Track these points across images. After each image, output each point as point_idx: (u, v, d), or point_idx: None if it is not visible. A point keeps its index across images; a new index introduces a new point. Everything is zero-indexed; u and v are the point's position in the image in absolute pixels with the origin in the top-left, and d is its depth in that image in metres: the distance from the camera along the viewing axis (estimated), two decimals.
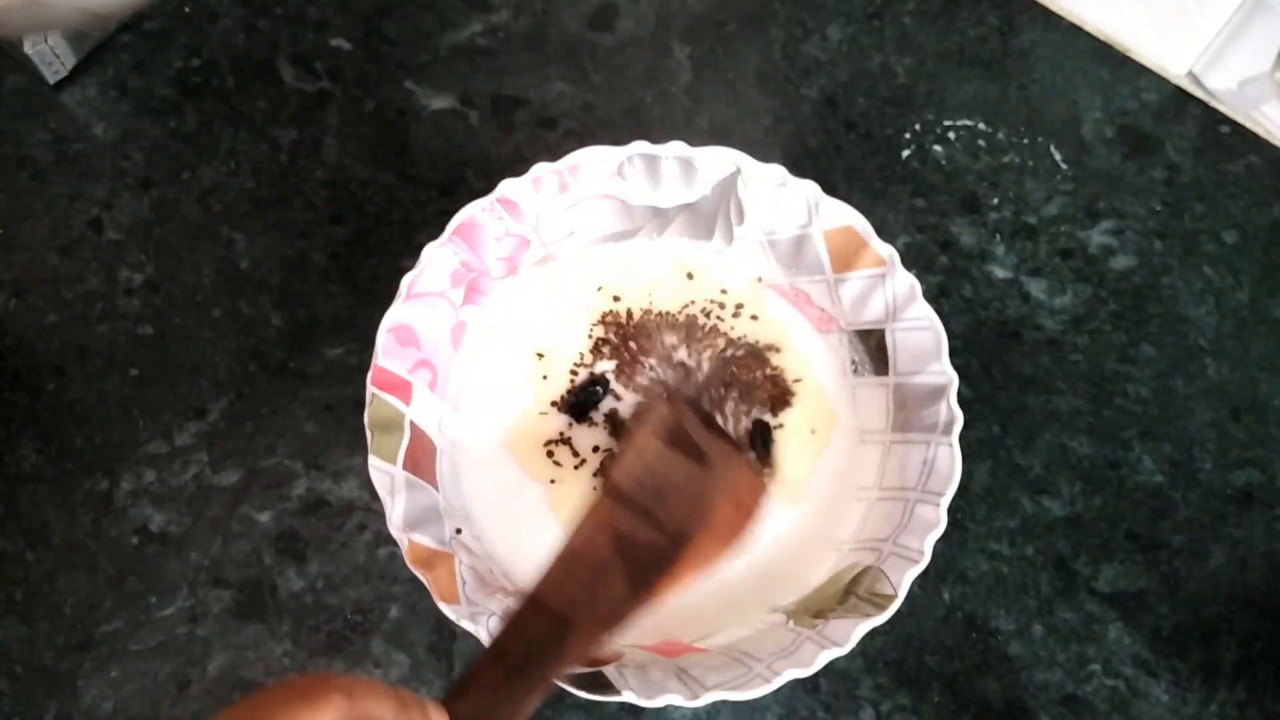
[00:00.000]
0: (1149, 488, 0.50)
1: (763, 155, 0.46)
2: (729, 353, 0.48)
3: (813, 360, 0.49)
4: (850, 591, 0.42)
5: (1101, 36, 0.59)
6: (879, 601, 0.40)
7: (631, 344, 0.48)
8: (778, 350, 0.49)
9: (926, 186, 0.55)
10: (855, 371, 0.48)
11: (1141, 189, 0.55)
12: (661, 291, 0.50)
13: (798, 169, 0.46)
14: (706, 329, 0.49)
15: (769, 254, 0.49)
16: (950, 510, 0.41)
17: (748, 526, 0.41)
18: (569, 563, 0.37)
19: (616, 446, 0.47)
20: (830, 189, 0.46)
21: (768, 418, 0.47)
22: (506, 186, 0.46)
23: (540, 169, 0.46)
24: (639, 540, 0.37)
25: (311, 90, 0.57)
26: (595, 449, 0.47)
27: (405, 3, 0.59)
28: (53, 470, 0.49)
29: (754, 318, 0.49)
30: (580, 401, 0.48)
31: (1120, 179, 0.56)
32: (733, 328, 0.49)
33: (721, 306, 0.49)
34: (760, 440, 0.46)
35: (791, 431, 0.47)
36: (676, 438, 0.41)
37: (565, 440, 0.47)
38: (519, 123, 0.56)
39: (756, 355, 0.48)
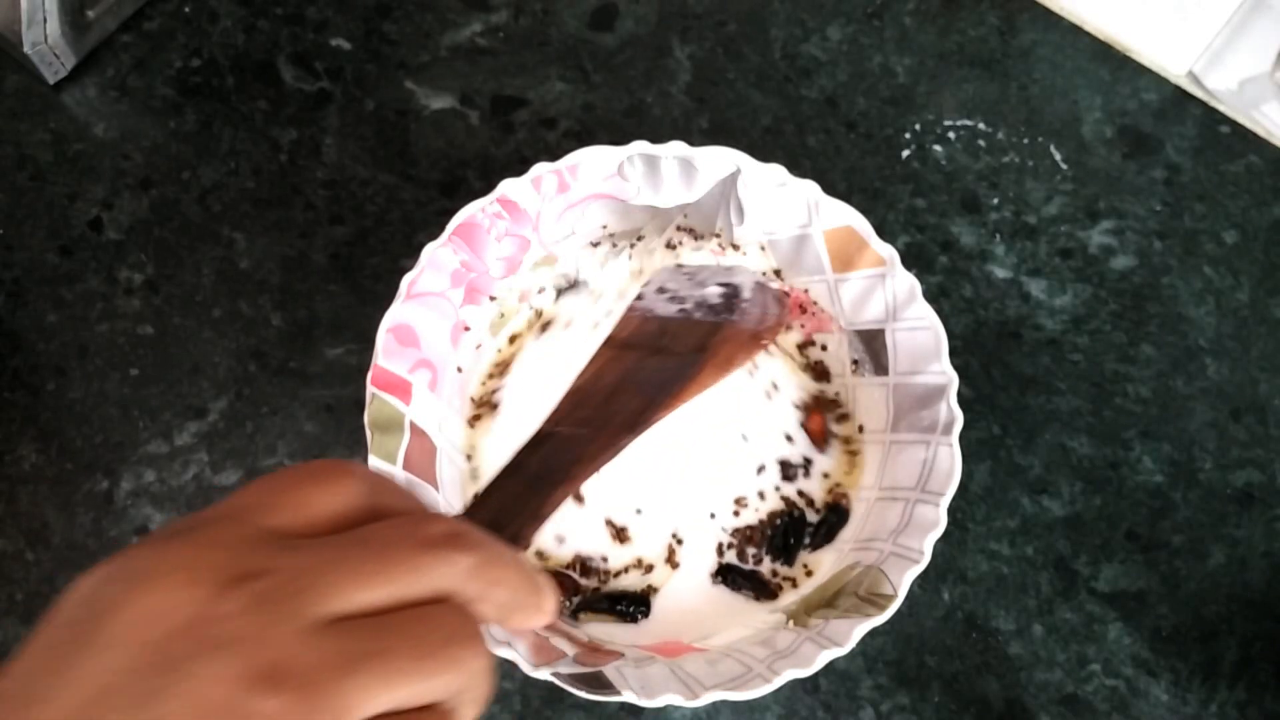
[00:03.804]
0: (1149, 488, 0.50)
1: (763, 155, 0.46)
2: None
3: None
4: (850, 591, 0.42)
5: (1101, 36, 0.59)
6: (879, 601, 0.40)
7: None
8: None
9: (926, 186, 0.55)
10: (855, 371, 0.48)
11: (1141, 189, 0.55)
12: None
13: (798, 169, 0.46)
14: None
15: (769, 254, 0.49)
16: (950, 510, 0.41)
17: (770, 338, 0.41)
18: (576, 397, 0.37)
19: None
20: (830, 189, 0.46)
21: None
22: (506, 186, 0.45)
23: (540, 169, 0.46)
24: (649, 365, 0.37)
25: (311, 90, 0.57)
26: None
27: (405, 3, 0.59)
28: (53, 470, 0.49)
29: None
30: None
31: (1120, 179, 0.56)
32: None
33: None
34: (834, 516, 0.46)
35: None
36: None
37: None
38: (519, 123, 0.56)
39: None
